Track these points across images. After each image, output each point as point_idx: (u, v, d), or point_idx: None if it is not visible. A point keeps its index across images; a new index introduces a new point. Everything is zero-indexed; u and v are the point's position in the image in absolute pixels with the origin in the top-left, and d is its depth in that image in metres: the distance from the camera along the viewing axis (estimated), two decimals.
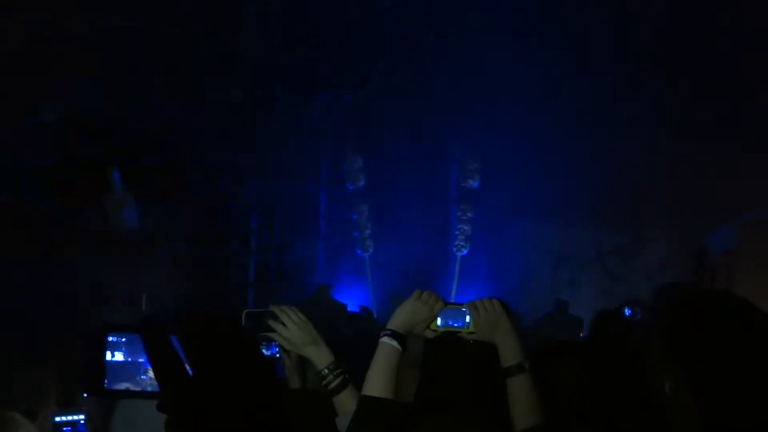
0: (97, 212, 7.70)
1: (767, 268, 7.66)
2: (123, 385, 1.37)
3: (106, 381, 1.32)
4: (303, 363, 2.30)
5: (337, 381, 2.13)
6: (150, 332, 1.20)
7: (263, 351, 2.37)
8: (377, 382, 2.00)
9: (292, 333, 2.14)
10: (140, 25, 8.58)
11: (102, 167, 7.66)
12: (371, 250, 10.89)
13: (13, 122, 8.02)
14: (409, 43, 9.67)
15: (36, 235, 8.05)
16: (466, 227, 11.00)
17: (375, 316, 8.22)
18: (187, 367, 1.16)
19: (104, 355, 1.30)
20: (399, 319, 2.08)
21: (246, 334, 1.29)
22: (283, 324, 2.15)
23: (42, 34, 8.00)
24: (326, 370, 2.14)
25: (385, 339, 2.05)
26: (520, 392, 2.05)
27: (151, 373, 1.33)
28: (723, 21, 8.73)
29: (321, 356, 2.15)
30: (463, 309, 2.11)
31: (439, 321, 2.11)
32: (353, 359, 2.22)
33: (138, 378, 1.37)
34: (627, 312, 8.04)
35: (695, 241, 9.64)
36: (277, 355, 2.31)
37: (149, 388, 1.38)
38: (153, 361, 1.17)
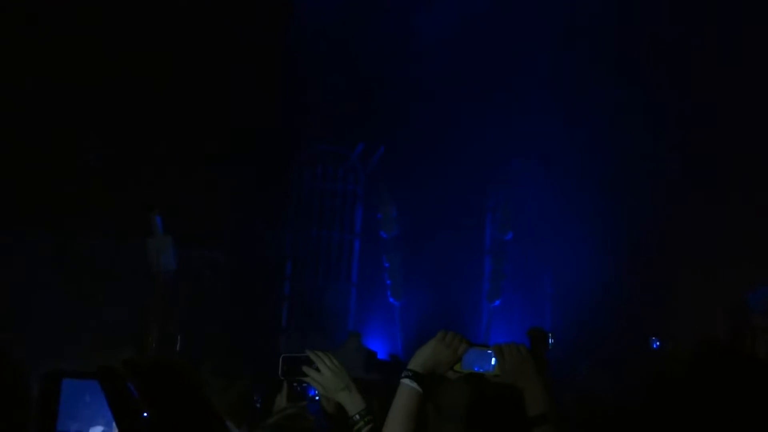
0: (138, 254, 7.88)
1: None
2: (74, 427, 1.43)
3: (57, 425, 1.39)
4: (341, 408, 2.31)
5: (367, 427, 2.16)
6: (109, 379, 1.28)
7: (302, 391, 2.41)
8: (396, 426, 1.94)
9: (326, 378, 2.21)
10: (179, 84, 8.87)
11: (145, 210, 7.86)
12: (403, 298, 10.92)
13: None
14: (445, 97, 9.83)
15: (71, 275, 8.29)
16: (498, 278, 10.99)
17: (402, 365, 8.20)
18: (144, 412, 1.25)
19: (58, 400, 1.36)
20: (421, 360, 2.01)
21: (196, 381, 1.36)
22: (318, 369, 2.23)
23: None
24: (357, 416, 2.17)
25: (406, 381, 1.98)
26: None
27: None
28: None
29: (353, 402, 2.19)
30: (489, 351, 2.04)
31: (463, 363, 2.03)
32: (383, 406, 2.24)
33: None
34: (654, 344, 8.00)
35: (734, 299, 9.46)
36: (317, 398, 2.35)
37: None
38: (112, 406, 1.26)
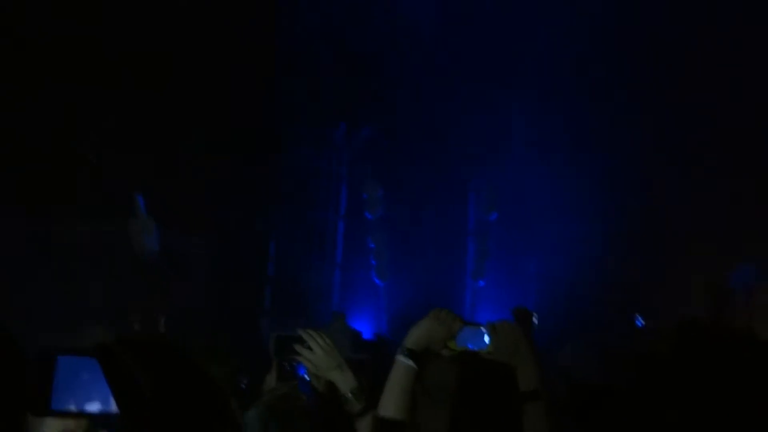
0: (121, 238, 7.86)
1: None
2: (71, 405, 1.41)
3: (52, 402, 1.36)
4: (331, 387, 2.34)
5: (360, 405, 2.16)
6: (107, 357, 1.25)
7: (292, 370, 2.41)
8: (391, 403, 1.98)
9: (318, 357, 2.20)
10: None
11: (127, 193, 7.83)
12: (388, 279, 10.93)
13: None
14: (432, 78, 9.80)
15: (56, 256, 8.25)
16: (482, 257, 11.02)
17: (389, 344, 8.23)
18: (143, 390, 1.22)
19: (53, 376, 1.33)
20: (415, 337, 2.03)
21: (193, 359, 1.34)
22: (310, 348, 2.22)
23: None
24: (350, 394, 2.17)
25: (401, 358, 2.01)
26: (534, 416, 2.04)
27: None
28: None
29: (345, 381, 2.19)
30: (482, 329, 2.06)
31: (457, 340, 2.05)
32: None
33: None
34: (639, 322, 8.14)
35: (715, 278, 9.57)
36: (306, 377, 2.36)
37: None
38: (111, 384, 1.23)
